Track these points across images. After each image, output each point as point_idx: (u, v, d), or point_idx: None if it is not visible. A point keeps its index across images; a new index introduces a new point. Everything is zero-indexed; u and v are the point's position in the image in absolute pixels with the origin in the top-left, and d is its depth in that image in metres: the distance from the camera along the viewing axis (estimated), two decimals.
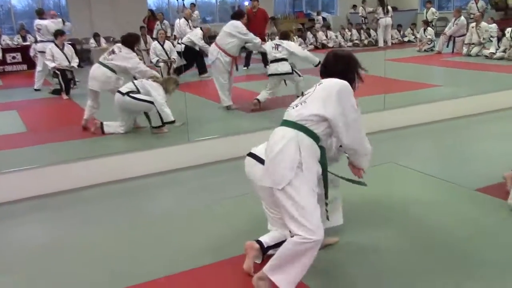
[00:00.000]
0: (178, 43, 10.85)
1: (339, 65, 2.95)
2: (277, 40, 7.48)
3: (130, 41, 6.41)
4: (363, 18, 17.61)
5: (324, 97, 2.76)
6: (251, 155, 3.24)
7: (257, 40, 7.40)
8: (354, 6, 19.01)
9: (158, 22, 13.03)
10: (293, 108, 2.85)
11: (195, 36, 10.30)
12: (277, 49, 7.19)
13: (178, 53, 10.55)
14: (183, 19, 11.53)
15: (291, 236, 2.71)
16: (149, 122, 6.13)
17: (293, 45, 7.36)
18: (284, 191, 2.65)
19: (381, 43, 15.18)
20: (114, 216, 4.22)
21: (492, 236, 3.48)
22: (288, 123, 2.82)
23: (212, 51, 7.25)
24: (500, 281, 2.93)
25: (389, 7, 15.23)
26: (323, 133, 2.79)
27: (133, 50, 6.42)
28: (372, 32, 16.65)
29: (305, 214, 2.60)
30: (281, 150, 2.71)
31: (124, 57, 6.28)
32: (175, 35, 11.66)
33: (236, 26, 7.23)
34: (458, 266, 3.10)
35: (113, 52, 6.34)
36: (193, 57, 10.44)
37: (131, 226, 3.96)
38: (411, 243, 3.43)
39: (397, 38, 16.30)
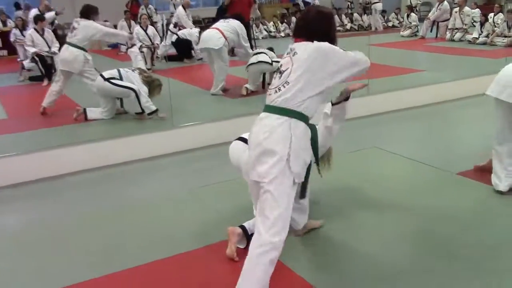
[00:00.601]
0: (173, 32, 10.78)
1: (324, 24, 2.67)
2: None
3: (86, 12, 6.36)
4: (349, 3, 17.49)
5: (310, 73, 2.51)
6: (242, 139, 3.22)
7: (250, 51, 7.53)
8: None
9: (142, 6, 12.86)
10: (276, 92, 2.57)
11: (191, 36, 10.41)
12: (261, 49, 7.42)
13: (173, 43, 10.52)
14: (181, 8, 11.38)
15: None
16: (121, 105, 6.18)
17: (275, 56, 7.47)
18: (267, 186, 2.49)
19: (380, 27, 15.23)
20: (97, 202, 4.20)
21: (473, 218, 3.53)
22: (272, 109, 2.57)
23: (219, 38, 7.09)
24: (482, 260, 2.99)
25: None
26: (313, 110, 2.61)
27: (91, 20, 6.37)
28: (355, 16, 16.60)
29: (279, 216, 2.48)
30: (268, 140, 2.50)
31: (85, 26, 6.27)
32: (176, 22, 11.57)
33: (243, 30, 7.38)
34: (441, 248, 3.15)
35: (74, 28, 6.35)
36: (185, 46, 10.49)
37: (114, 212, 3.95)
38: (394, 227, 3.47)
39: (381, 23, 16.28)
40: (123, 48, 9.95)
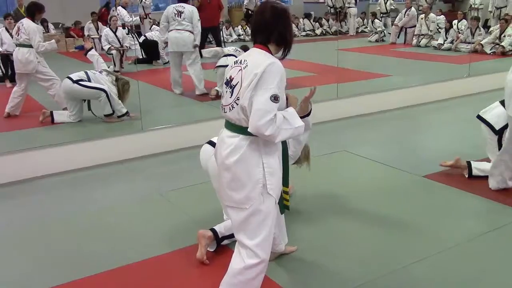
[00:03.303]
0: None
1: (280, 23, 2.40)
2: (238, 49, 7.40)
3: (31, 11, 6.24)
4: (329, 8, 17.48)
5: (256, 90, 2.27)
6: (211, 143, 3.21)
7: (200, 28, 7.41)
8: None
9: (113, 8, 12.68)
10: (230, 109, 2.37)
11: (159, 38, 10.35)
12: (235, 50, 7.29)
13: (140, 44, 10.45)
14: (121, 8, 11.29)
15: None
16: (89, 108, 6.11)
17: None
18: (246, 212, 2.35)
19: (352, 32, 15.43)
20: (64, 206, 4.13)
21: (438, 218, 3.62)
22: (232, 127, 2.40)
23: (191, 39, 7.21)
24: (453, 262, 3.07)
25: None
26: None
27: (34, 21, 6.23)
28: (324, 22, 16.73)
29: (261, 242, 2.37)
30: (238, 166, 2.33)
31: (27, 32, 6.15)
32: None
33: (196, 14, 7.30)
34: (407, 249, 3.21)
35: (18, 29, 6.24)
36: (152, 48, 10.45)
37: (82, 216, 3.89)
38: (364, 231, 3.52)
39: (355, 28, 16.44)
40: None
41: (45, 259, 3.26)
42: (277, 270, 3.00)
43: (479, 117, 4.24)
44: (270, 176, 2.36)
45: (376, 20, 14.33)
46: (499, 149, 4.09)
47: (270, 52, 2.40)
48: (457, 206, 3.87)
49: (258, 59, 2.32)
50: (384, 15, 15.00)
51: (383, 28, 14.23)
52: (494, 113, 4.14)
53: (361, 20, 16.52)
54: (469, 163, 4.31)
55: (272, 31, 2.38)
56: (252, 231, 2.37)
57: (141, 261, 3.18)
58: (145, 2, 12.30)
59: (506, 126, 4.02)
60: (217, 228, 3.17)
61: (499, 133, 4.09)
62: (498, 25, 11.41)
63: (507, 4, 13.30)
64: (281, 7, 2.43)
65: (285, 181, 2.68)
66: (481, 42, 11.18)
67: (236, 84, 2.35)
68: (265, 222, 2.38)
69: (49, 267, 3.17)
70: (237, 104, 2.32)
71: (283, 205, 2.76)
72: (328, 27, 16.48)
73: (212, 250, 3.15)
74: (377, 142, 5.66)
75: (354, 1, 15.42)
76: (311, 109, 2.81)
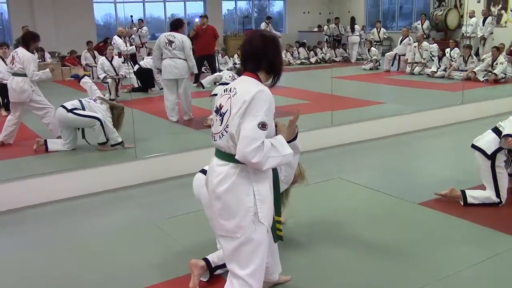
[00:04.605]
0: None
1: (269, 51, 2.42)
2: (235, 75, 7.46)
3: (26, 40, 6.27)
4: (327, 37, 17.68)
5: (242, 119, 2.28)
6: (204, 172, 3.19)
7: (193, 61, 7.56)
8: (320, 26, 18.98)
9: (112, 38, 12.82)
10: (220, 137, 2.38)
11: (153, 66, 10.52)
12: (232, 78, 7.28)
13: (135, 73, 10.52)
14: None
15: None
16: (83, 136, 6.10)
17: None
18: (237, 241, 2.34)
19: (353, 59, 15.75)
20: (57, 235, 4.08)
21: (435, 245, 3.59)
22: (222, 155, 2.41)
23: (184, 66, 7.38)
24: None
25: (356, 26, 15.74)
26: None
27: (29, 50, 6.25)
28: (318, 50, 16.90)
29: (253, 272, 2.35)
30: (228, 194, 2.33)
31: (22, 61, 6.15)
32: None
33: (187, 42, 7.42)
34: (405, 277, 3.18)
35: (13, 58, 6.26)
36: (147, 76, 10.54)
37: (75, 246, 3.84)
38: (359, 256, 3.49)
39: (341, 56, 16.61)
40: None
41: None
42: None
43: (473, 145, 4.31)
44: (261, 204, 2.33)
45: (372, 48, 14.49)
46: (493, 174, 4.13)
47: (259, 80, 2.41)
48: (453, 234, 3.84)
49: (247, 87, 2.33)
50: (377, 44, 15.19)
51: (379, 56, 14.37)
52: (486, 140, 4.25)
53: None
54: (463, 192, 4.32)
55: (261, 59, 2.41)
56: (244, 260, 2.34)
57: None
58: (141, 31, 12.46)
59: (497, 150, 4.15)
60: (210, 257, 3.12)
61: (491, 157, 4.17)
62: (491, 53, 11.54)
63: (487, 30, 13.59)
64: (270, 35, 2.47)
65: (277, 211, 2.65)
66: (474, 70, 11.29)
67: (225, 112, 2.35)
68: (257, 251, 2.35)
69: None
70: (227, 132, 2.32)
71: (276, 235, 2.72)
72: (324, 54, 16.65)
73: (205, 280, 3.10)
74: (372, 169, 5.65)
75: (351, 30, 15.66)
76: (297, 132, 2.81)
